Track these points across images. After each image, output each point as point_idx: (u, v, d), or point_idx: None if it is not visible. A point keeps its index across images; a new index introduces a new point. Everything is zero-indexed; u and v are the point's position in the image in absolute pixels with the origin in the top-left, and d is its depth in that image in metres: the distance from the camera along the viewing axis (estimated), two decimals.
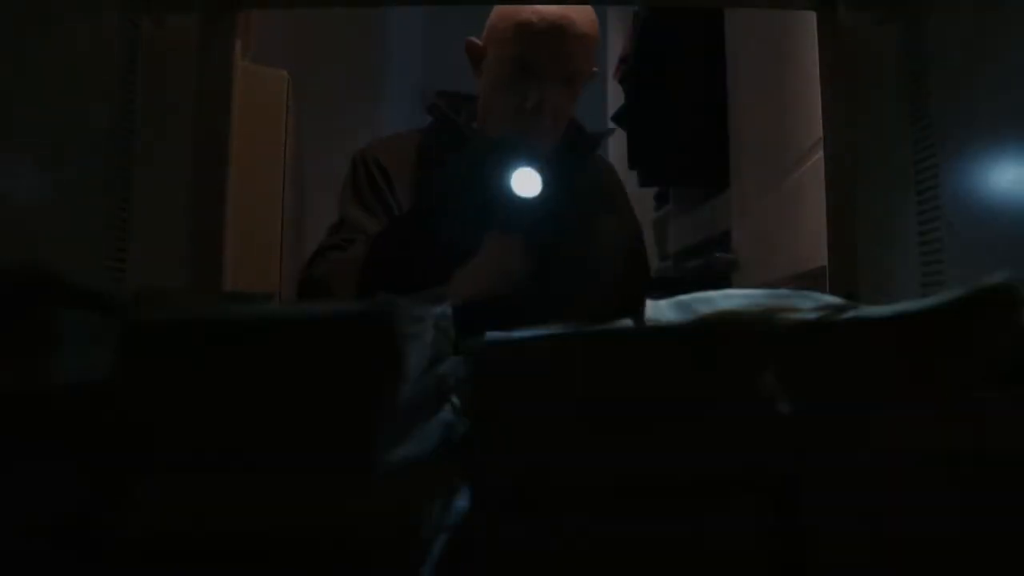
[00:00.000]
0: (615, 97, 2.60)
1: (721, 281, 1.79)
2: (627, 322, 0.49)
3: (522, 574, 0.33)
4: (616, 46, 2.76)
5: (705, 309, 0.49)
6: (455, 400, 0.41)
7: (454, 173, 0.87)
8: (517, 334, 0.37)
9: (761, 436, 0.34)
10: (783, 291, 0.53)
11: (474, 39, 1.05)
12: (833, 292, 0.91)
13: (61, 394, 0.33)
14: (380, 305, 0.34)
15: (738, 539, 0.33)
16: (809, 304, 0.45)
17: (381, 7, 2.81)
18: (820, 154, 1.02)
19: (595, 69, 1.04)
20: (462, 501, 0.36)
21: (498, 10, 1.03)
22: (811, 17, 0.98)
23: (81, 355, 0.34)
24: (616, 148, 2.48)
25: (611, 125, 2.19)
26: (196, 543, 0.32)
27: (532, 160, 0.84)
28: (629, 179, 1.84)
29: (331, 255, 0.94)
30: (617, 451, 0.34)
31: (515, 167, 0.84)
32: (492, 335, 0.37)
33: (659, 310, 0.55)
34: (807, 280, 1.25)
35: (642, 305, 0.57)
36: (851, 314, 0.36)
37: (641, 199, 2.28)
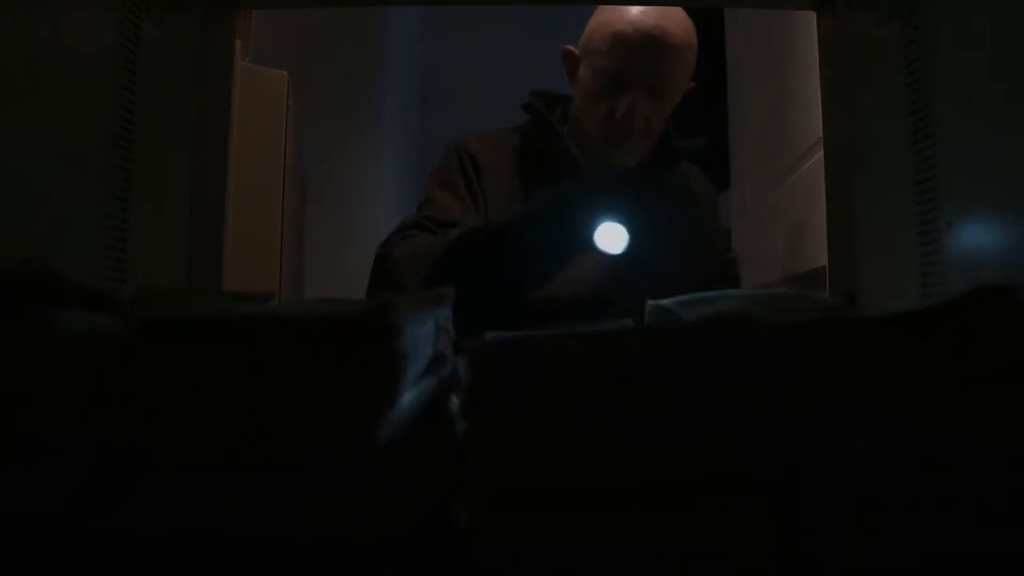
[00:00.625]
0: None
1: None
2: (628, 322, 0.49)
3: (521, 573, 0.33)
4: None
5: (706, 310, 0.49)
6: (455, 400, 0.41)
7: (543, 205, 0.87)
8: (517, 334, 0.37)
9: (761, 435, 0.34)
10: (783, 291, 0.53)
11: (571, 48, 1.05)
12: (833, 292, 0.91)
13: (61, 393, 0.33)
14: (380, 305, 0.34)
15: (738, 539, 0.33)
16: (809, 304, 0.45)
17: (381, 7, 2.81)
18: (820, 154, 1.02)
19: (691, 84, 1.03)
20: (461, 501, 0.36)
21: (597, 17, 1.03)
22: (811, 17, 0.98)
23: (81, 354, 0.34)
24: None
25: None
26: (195, 543, 0.32)
27: (623, 203, 0.82)
28: None
29: (412, 235, 0.95)
30: (616, 451, 0.34)
31: (604, 217, 0.83)
32: (492, 335, 0.37)
33: (660, 310, 0.55)
34: (807, 280, 1.25)
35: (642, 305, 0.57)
36: (851, 314, 0.36)
37: None
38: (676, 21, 0.98)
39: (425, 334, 0.40)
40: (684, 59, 1.00)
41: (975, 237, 0.70)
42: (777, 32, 1.55)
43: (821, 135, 0.99)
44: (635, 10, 0.97)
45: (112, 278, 0.74)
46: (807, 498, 0.34)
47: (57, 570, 0.32)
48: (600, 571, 0.33)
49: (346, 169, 2.42)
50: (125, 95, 0.76)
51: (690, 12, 1.04)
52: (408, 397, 0.35)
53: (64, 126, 0.65)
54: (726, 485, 0.34)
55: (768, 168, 1.64)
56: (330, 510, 0.32)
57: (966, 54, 0.72)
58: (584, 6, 1.04)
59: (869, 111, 0.86)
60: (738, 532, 0.33)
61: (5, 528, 0.31)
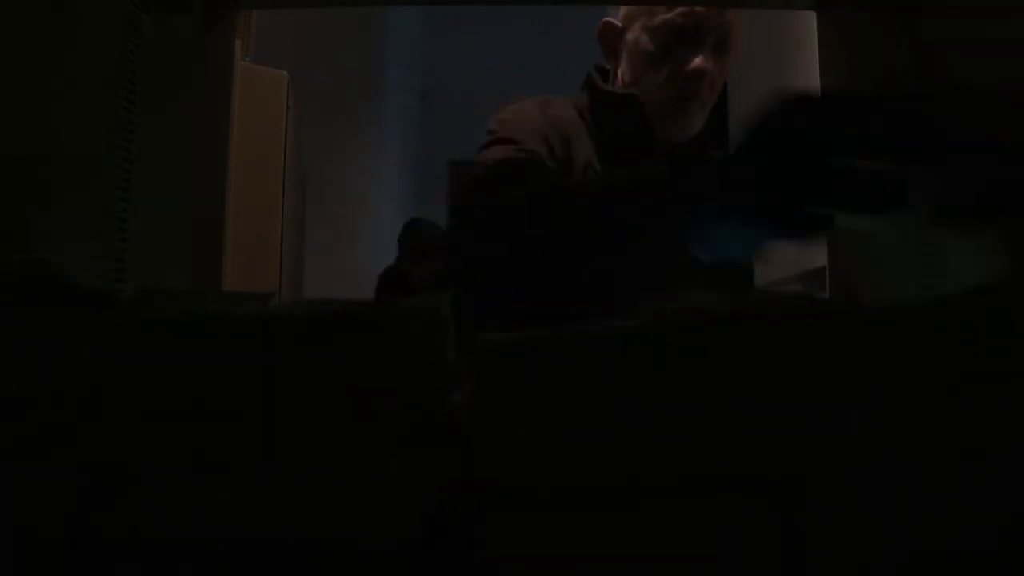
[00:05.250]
0: None
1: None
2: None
3: (520, 572, 0.33)
4: None
5: (706, 309, 0.49)
6: (456, 398, 0.41)
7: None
8: (518, 332, 0.37)
9: (761, 435, 0.34)
10: (780, 291, 0.53)
11: (611, 19, 1.01)
12: (833, 292, 0.91)
13: (62, 394, 0.33)
14: (381, 305, 0.34)
15: (738, 539, 0.33)
16: (805, 304, 0.45)
17: (381, 7, 2.81)
18: None
19: (739, 54, 1.00)
20: (462, 500, 0.36)
21: None
22: (811, 17, 0.98)
23: (82, 354, 0.34)
24: None
25: None
26: (195, 543, 0.32)
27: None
28: None
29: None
30: (617, 450, 0.34)
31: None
32: (493, 333, 0.37)
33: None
34: (807, 280, 1.25)
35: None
36: (850, 313, 0.36)
37: None
38: None
39: (423, 333, 0.40)
40: (741, 19, 0.97)
41: (974, 236, 0.70)
42: (777, 32, 1.55)
43: None
44: None
45: (112, 278, 0.74)
46: (808, 499, 0.34)
47: (57, 570, 0.32)
48: (597, 570, 0.33)
49: (346, 169, 2.42)
50: (125, 95, 0.76)
51: None
52: (406, 396, 0.35)
53: (63, 125, 0.65)
54: (726, 485, 0.34)
55: None
56: (330, 511, 0.32)
57: (966, 55, 0.72)
58: (584, 6, 1.03)
59: None
60: (738, 533, 0.33)
61: (5, 528, 0.31)
